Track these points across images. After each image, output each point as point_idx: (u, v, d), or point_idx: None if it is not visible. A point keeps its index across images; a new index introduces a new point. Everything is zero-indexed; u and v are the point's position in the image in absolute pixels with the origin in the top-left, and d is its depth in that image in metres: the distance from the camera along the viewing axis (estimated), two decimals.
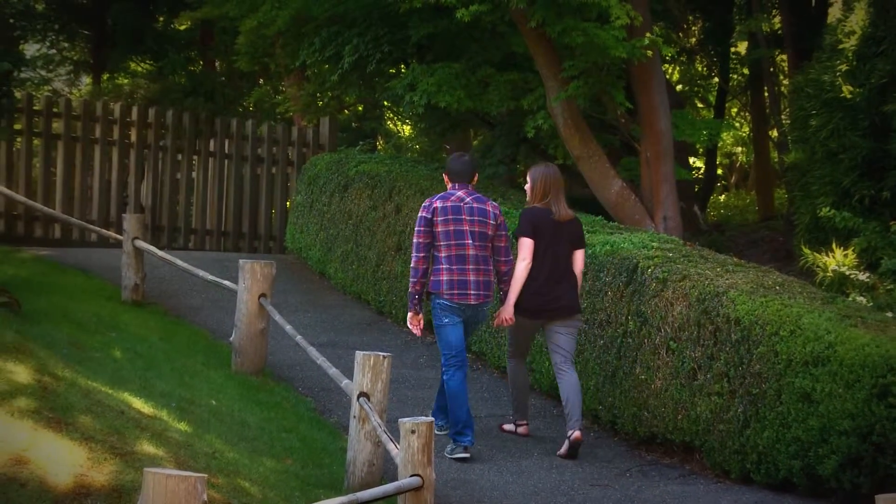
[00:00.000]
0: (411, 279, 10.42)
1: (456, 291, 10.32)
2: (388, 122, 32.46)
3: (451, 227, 10.36)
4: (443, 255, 10.37)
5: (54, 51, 33.25)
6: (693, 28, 24.28)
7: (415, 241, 10.44)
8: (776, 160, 22.60)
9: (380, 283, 14.98)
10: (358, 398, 8.85)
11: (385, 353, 9.01)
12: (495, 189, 15.05)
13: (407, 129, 33.24)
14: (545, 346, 11.74)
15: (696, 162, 26.39)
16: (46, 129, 19.78)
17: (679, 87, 25.30)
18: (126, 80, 31.72)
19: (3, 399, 7.69)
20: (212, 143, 21.00)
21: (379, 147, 29.69)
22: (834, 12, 20.73)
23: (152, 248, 14.32)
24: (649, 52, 13.50)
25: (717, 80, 24.78)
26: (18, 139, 19.77)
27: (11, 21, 31.22)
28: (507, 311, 10.59)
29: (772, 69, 21.60)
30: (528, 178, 10.94)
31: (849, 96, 13.92)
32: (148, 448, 7.79)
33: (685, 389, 9.97)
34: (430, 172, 15.66)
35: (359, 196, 15.95)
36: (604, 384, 10.91)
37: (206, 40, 29.53)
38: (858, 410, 8.53)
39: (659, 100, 14.37)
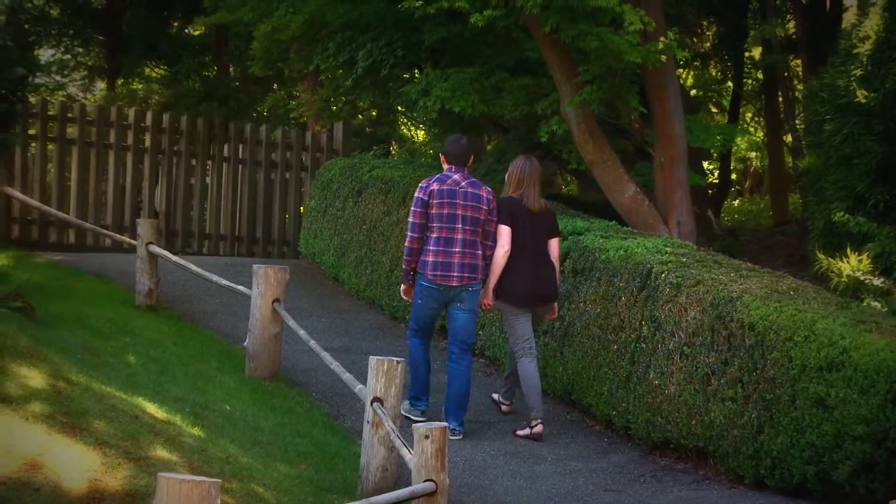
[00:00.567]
0: (405, 257, 10.98)
1: (439, 272, 10.81)
2: (402, 127, 32.51)
3: (445, 211, 10.84)
4: (433, 236, 10.86)
5: (69, 56, 33.37)
6: (707, 33, 24.25)
7: (410, 220, 10.95)
8: (790, 165, 22.56)
9: (393, 288, 14.98)
10: (371, 403, 8.86)
11: (399, 359, 9.02)
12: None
13: (421, 134, 33.28)
14: (558, 352, 11.74)
15: (711, 167, 26.38)
16: (61, 134, 19.82)
17: (693, 92, 25.28)
18: (140, 86, 31.83)
19: (17, 404, 7.71)
20: (226, 148, 21.03)
21: (393, 152, 29.72)
22: (848, 17, 20.72)
23: (166, 252, 14.34)
24: (663, 57, 13.47)
25: (731, 84, 24.75)
26: (33, 144, 19.80)
27: (26, 26, 31.31)
28: (487, 296, 11.13)
29: (786, 74, 21.58)
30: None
31: (863, 101, 13.88)
32: (162, 453, 7.80)
33: (699, 394, 9.95)
34: None
35: (372, 201, 15.95)
36: (617, 389, 10.90)
37: (220, 45, 29.59)
38: (873, 416, 8.51)
39: (673, 105, 14.35)
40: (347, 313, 15.23)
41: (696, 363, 10.00)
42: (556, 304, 11.46)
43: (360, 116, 27.70)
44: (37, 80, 30.53)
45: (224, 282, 13.00)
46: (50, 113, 19.94)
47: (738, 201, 29.56)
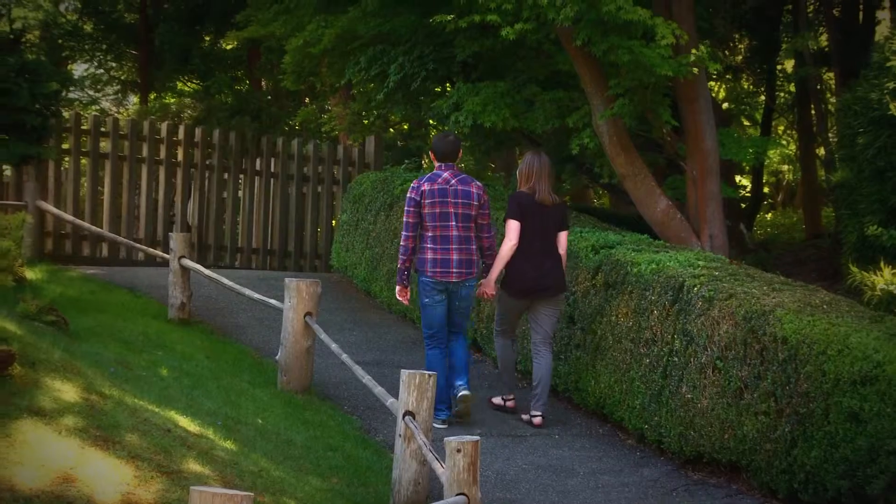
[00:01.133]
0: (400, 256, 11.39)
1: (439, 269, 11.28)
2: None
3: (438, 210, 11.28)
4: (428, 234, 11.32)
5: (102, 70, 33.58)
6: (739, 46, 24.22)
7: (404, 220, 11.38)
8: (823, 178, 22.50)
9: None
10: (403, 417, 8.85)
11: (430, 372, 9.01)
12: None
13: None
14: (590, 366, 11.72)
15: (743, 180, 26.32)
16: (94, 148, 19.92)
17: (725, 105, 25.24)
18: (173, 100, 31.99)
19: (51, 417, 7.74)
20: (258, 161, 21.10)
21: (424, 165, 29.74)
22: (881, 30, 20.68)
23: (199, 266, 14.37)
24: (695, 70, 13.46)
25: (763, 97, 24.71)
26: (66, 158, 19.91)
27: (60, 41, 31.52)
28: (489, 285, 11.62)
29: (819, 87, 21.53)
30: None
31: None
32: (194, 466, 7.81)
33: (732, 408, 9.91)
34: None
35: None
36: (650, 403, 10.87)
37: (252, 60, 29.71)
38: None
39: (705, 118, 14.33)
40: (379, 326, 15.24)
41: (729, 377, 9.96)
42: (564, 295, 11.86)
43: (391, 130, 27.73)
44: (70, 95, 30.76)
45: (256, 295, 13.03)
46: (83, 127, 20.04)
47: (770, 214, 29.48)
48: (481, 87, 15.54)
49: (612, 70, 13.96)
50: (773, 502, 9.61)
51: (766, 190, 28.06)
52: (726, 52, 23.19)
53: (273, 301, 12.56)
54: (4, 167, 19.02)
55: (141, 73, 30.97)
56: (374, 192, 17.24)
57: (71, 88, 30.35)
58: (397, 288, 11.54)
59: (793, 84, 24.26)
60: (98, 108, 33.96)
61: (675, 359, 10.63)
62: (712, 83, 23.89)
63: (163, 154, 20.39)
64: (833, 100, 21.78)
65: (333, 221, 21.12)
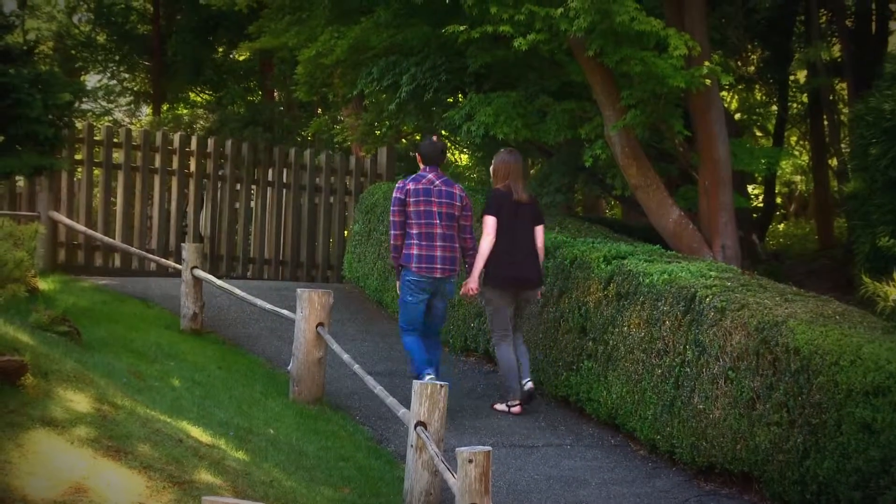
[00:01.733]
0: (392, 254, 11.95)
1: (424, 265, 11.73)
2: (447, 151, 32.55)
3: (422, 208, 11.80)
4: (413, 231, 11.79)
5: (115, 81, 33.66)
6: (752, 56, 24.19)
7: (391, 219, 11.87)
8: (836, 189, 22.47)
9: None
10: (415, 427, 8.85)
11: (442, 382, 9.01)
12: (553, 217, 15.03)
13: (464, 158, 33.30)
14: (602, 376, 11.71)
15: (755, 190, 26.29)
16: (107, 158, 19.95)
17: (737, 116, 25.22)
18: (185, 111, 32.07)
19: (63, 427, 7.74)
20: (270, 172, 21.12)
21: None
22: (894, 41, 20.65)
23: (211, 277, 14.39)
24: (707, 81, 13.45)
25: (775, 108, 24.68)
26: (79, 169, 19.94)
27: (73, 52, 31.61)
28: (473, 282, 12.03)
29: (831, 97, 21.51)
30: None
31: None
32: (206, 477, 7.81)
33: (744, 419, 9.90)
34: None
35: None
36: (662, 414, 10.85)
37: (265, 70, 29.77)
38: None
39: (717, 128, 14.32)
40: (391, 337, 15.23)
41: (741, 387, 9.95)
42: (541, 288, 12.34)
43: (403, 141, 27.76)
44: (83, 106, 30.83)
45: (268, 306, 13.04)
46: (96, 138, 20.08)
47: (783, 225, 29.45)
48: (493, 98, 15.54)
49: (625, 81, 13.97)
50: None
51: (778, 200, 28.01)
52: (739, 63, 23.17)
53: (285, 311, 12.57)
54: (17, 178, 19.06)
55: (154, 83, 31.05)
56: (385, 202, 17.24)
57: (84, 99, 30.44)
58: (398, 283, 12.00)
59: (805, 95, 24.23)
60: (111, 118, 34.04)
61: (688, 369, 10.62)
62: (725, 93, 23.88)
63: (175, 165, 20.42)
64: (846, 110, 21.77)
65: (345, 232, 21.14)
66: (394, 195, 11.89)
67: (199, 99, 33.40)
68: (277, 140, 24.98)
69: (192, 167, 20.57)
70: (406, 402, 9.25)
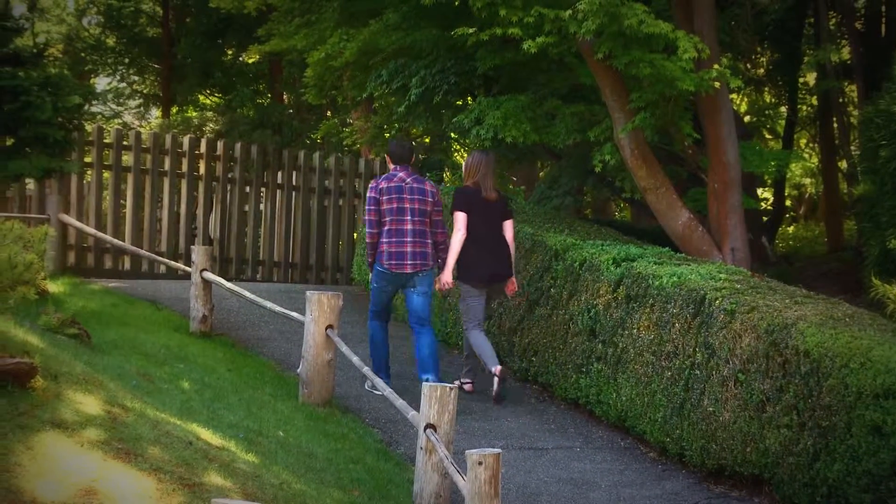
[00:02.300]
0: (367, 251, 12.40)
1: (394, 262, 12.25)
2: (455, 154, 32.57)
3: (395, 205, 12.26)
4: (386, 228, 12.27)
5: (124, 84, 33.71)
6: (761, 58, 24.18)
7: (366, 217, 12.35)
8: (845, 191, 22.44)
9: (445, 314, 14.99)
10: (425, 430, 8.85)
11: (451, 385, 9.01)
12: (562, 220, 15.02)
13: None
14: (611, 378, 11.70)
15: (765, 193, 26.27)
16: (116, 161, 19.97)
17: (747, 118, 25.21)
18: (195, 113, 32.08)
19: (73, 430, 7.75)
20: (279, 175, 21.14)
21: (445, 178, 29.78)
22: None
23: (220, 279, 14.39)
24: (717, 84, 13.43)
25: (785, 110, 24.66)
26: (89, 172, 19.96)
27: (83, 55, 31.65)
28: (446, 276, 12.51)
29: (841, 100, 21.48)
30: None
31: None
32: (216, 479, 7.82)
33: (754, 422, 9.89)
34: None
35: None
36: (671, 416, 10.85)
37: (274, 73, 29.80)
38: None
39: (727, 131, 14.31)
40: (399, 339, 15.21)
41: (751, 390, 9.94)
42: (513, 279, 12.75)
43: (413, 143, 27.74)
44: (93, 108, 30.86)
45: (277, 308, 13.04)
46: (106, 140, 20.09)
47: (792, 227, 29.42)
48: (502, 101, 15.54)
49: (634, 83, 13.95)
50: None
51: (787, 203, 28.01)
52: (748, 65, 23.17)
53: (294, 314, 12.58)
54: (27, 180, 19.08)
55: (163, 86, 31.10)
56: None
57: (93, 102, 30.42)
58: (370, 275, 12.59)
59: (815, 97, 24.21)
60: (120, 121, 34.08)
61: (697, 372, 10.61)
62: (734, 96, 23.84)
63: (185, 167, 20.44)
64: (855, 113, 21.72)
65: (355, 234, 21.15)
66: (368, 194, 12.37)
67: (208, 102, 33.42)
68: (286, 143, 25.00)
69: (202, 170, 20.59)
70: (415, 405, 9.25)
